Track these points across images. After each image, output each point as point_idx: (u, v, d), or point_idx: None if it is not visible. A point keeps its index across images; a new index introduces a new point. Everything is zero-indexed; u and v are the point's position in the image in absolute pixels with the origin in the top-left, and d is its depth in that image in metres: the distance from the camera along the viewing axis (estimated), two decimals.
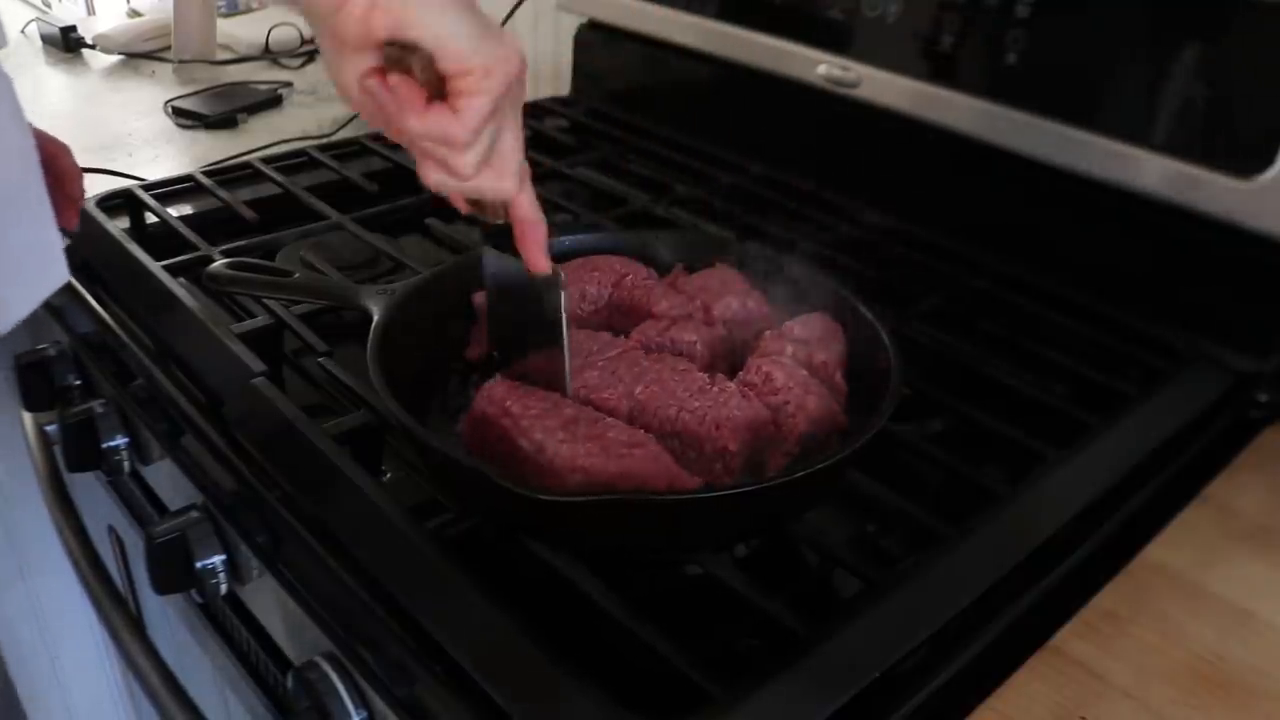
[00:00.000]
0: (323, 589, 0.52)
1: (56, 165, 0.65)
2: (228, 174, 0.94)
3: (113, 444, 0.74)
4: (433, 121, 0.44)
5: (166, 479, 0.72)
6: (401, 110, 0.44)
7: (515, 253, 0.53)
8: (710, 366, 0.59)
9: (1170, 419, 0.64)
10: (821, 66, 0.88)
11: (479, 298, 0.63)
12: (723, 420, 0.52)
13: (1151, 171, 0.70)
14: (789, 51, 0.91)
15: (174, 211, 0.87)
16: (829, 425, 0.56)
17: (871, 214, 0.86)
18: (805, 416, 0.54)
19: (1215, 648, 0.50)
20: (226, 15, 1.52)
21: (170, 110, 1.21)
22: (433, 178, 0.47)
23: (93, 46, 1.41)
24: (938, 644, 0.48)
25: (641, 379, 0.55)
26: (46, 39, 1.44)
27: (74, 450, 0.75)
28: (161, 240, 0.81)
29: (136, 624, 0.70)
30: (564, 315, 0.55)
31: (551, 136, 1.07)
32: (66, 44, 1.41)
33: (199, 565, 0.60)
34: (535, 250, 0.53)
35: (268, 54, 1.41)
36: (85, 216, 0.82)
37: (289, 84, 1.30)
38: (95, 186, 0.88)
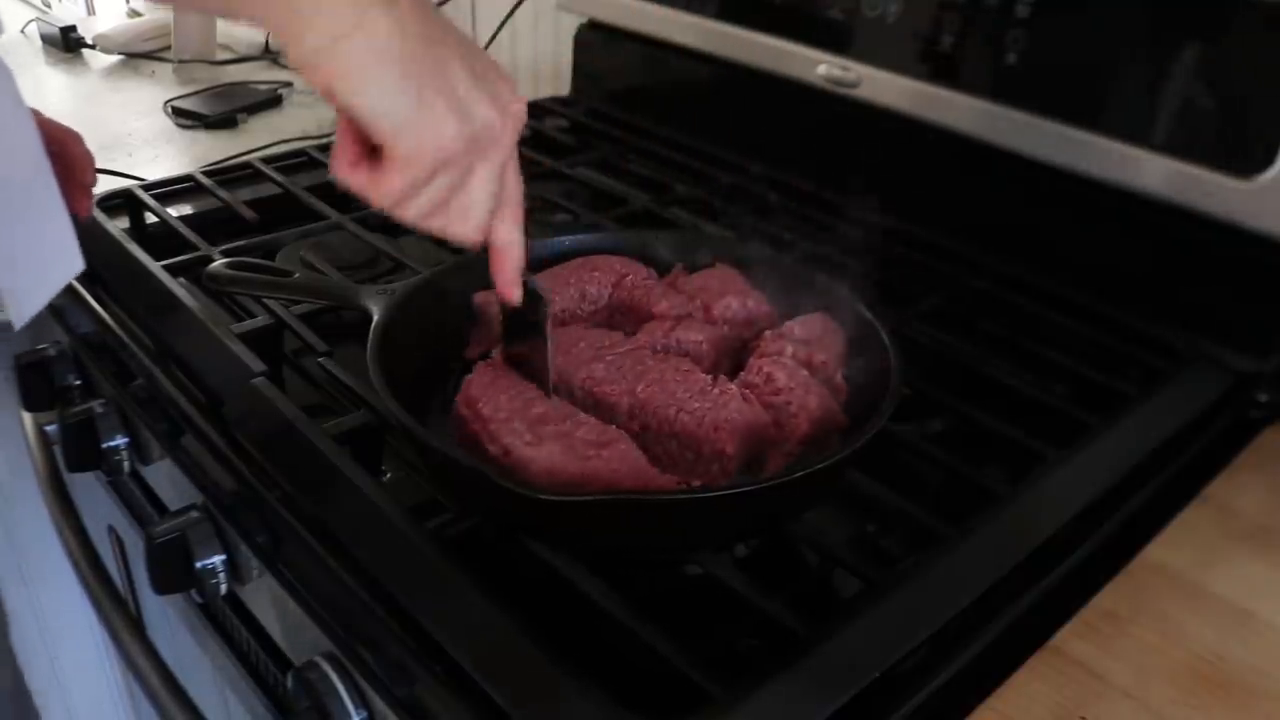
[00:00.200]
0: (323, 589, 0.52)
1: (67, 152, 0.64)
2: (228, 174, 0.94)
3: (113, 444, 0.74)
4: (353, 181, 0.44)
5: (166, 479, 0.72)
6: (332, 157, 0.44)
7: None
8: (715, 366, 0.59)
9: (1170, 419, 0.64)
10: (821, 66, 0.88)
11: (479, 297, 0.63)
12: (721, 423, 0.52)
13: (1151, 171, 0.70)
14: (789, 51, 0.91)
15: (174, 211, 0.87)
16: (829, 425, 0.56)
17: (871, 214, 0.86)
18: (807, 416, 0.54)
19: (1215, 648, 0.50)
20: None
21: (170, 110, 1.21)
22: (407, 217, 0.46)
23: (93, 46, 1.41)
24: (938, 644, 0.48)
25: (644, 377, 0.55)
26: (46, 39, 1.44)
27: (74, 450, 0.75)
28: (161, 240, 0.81)
29: (136, 624, 0.70)
30: (548, 328, 0.55)
31: (551, 136, 1.07)
32: (66, 44, 1.41)
33: (199, 565, 0.60)
34: (506, 279, 0.52)
35: (268, 54, 1.41)
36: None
37: (289, 84, 1.30)
38: (95, 186, 0.88)
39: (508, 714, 0.43)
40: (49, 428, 0.82)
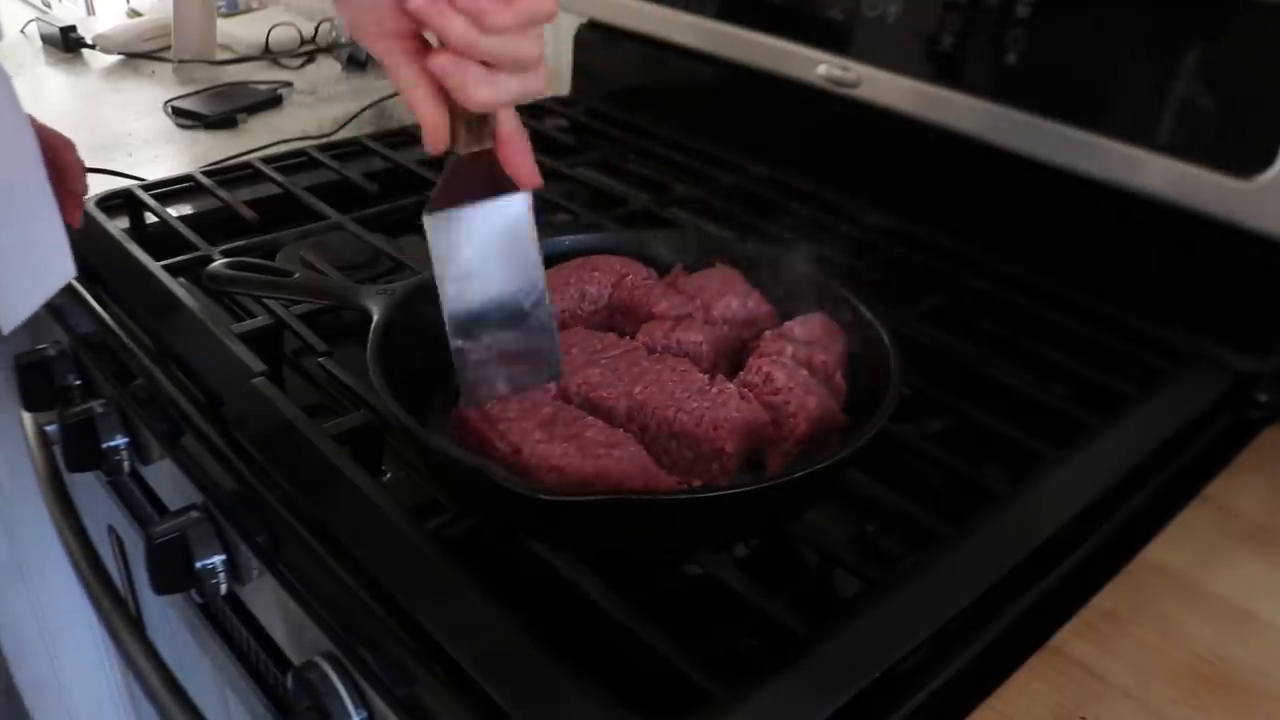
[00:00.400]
0: (323, 589, 0.52)
1: (59, 159, 0.64)
2: (228, 174, 0.94)
3: (113, 444, 0.74)
4: (516, 11, 0.41)
5: (166, 479, 0.72)
6: (478, 18, 0.40)
7: (464, 200, 0.50)
8: (715, 366, 0.59)
9: (1170, 419, 0.64)
10: (821, 66, 0.88)
11: None
12: (720, 421, 0.52)
13: (1152, 171, 0.70)
14: (789, 51, 0.91)
15: (174, 211, 0.87)
16: (829, 425, 0.56)
17: (872, 214, 0.86)
18: (806, 417, 0.54)
19: (1215, 648, 0.50)
20: (226, 15, 1.52)
21: (170, 110, 1.21)
22: (485, 96, 0.44)
23: (93, 46, 1.41)
24: (938, 644, 0.48)
25: (641, 379, 0.55)
26: (46, 39, 1.44)
27: (74, 450, 0.75)
28: (161, 240, 0.81)
29: (136, 624, 0.70)
30: (535, 231, 0.51)
31: (551, 136, 1.07)
32: (66, 44, 1.41)
33: (199, 565, 0.60)
34: (527, 160, 0.50)
35: (268, 54, 1.41)
36: (85, 216, 0.82)
37: (289, 84, 1.30)
38: (95, 186, 0.88)
39: (508, 714, 0.43)
40: (49, 428, 0.82)
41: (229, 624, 0.67)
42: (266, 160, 0.96)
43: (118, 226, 0.82)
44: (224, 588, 0.61)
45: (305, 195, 0.89)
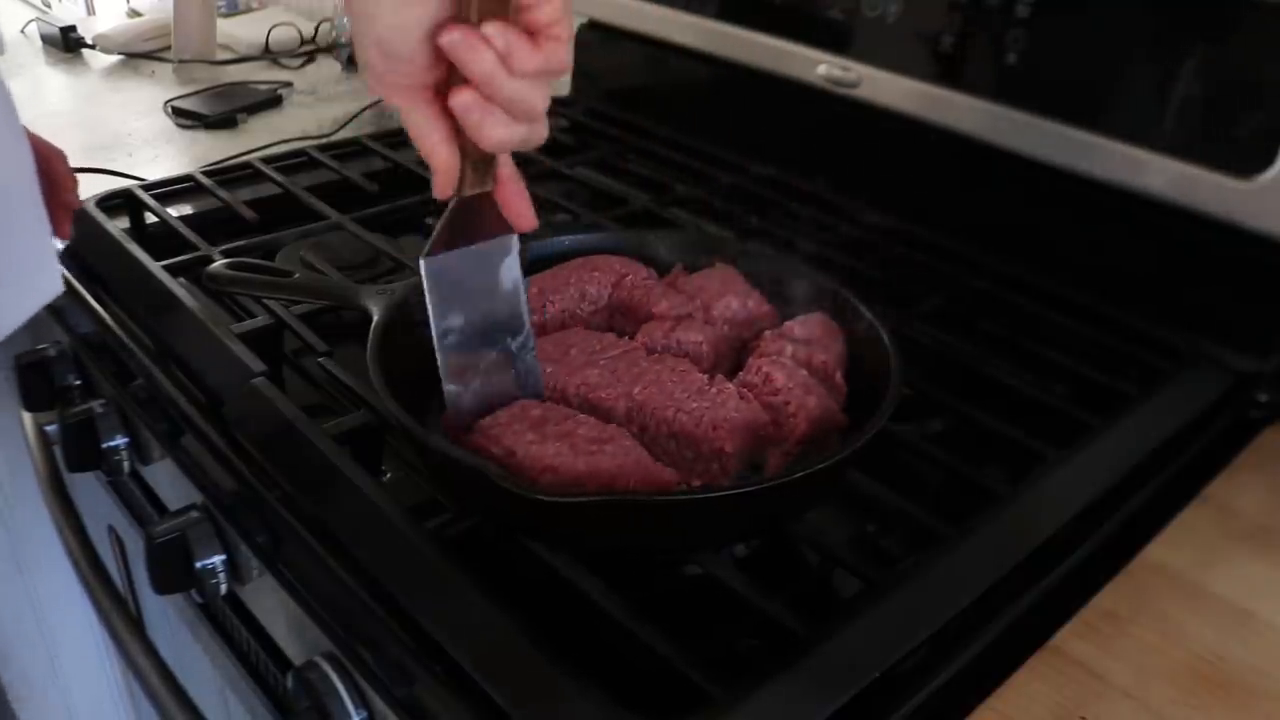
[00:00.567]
0: (323, 589, 0.52)
1: (51, 170, 0.64)
2: (228, 174, 0.94)
3: (113, 444, 0.74)
4: (542, 59, 0.41)
5: (166, 479, 0.72)
6: (508, 55, 0.41)
7: (461, 242, 0.52)
8: (715, 366, 0.59)
9: (1170, 419, 0.64)
10: (821, 66, 0.88)
11: None
12: (719, 421, 0.52)
13: (1152, 172, 0.70)
14: (789, 51, 0.91)
15: (174, 211, 0.87)
16: (829, 425, 0.56)
17: (872, 214, 0.86)
18: (805, 417, 0.54)
19: (1215, 648, 0.50)
20: (226, 15, 1.52)
21: (170, 110, 1.21)
22: (500, 136, 0.45)
23: (93, 46, 1.41)
24: (938, 644, 0.48)
25: (640, 379, 0.55)
26: (46, 39, 1.44)
27: (74, 450, 0.75)
28: (161, 240, 0.81)
29: (136, 624, 0.70)
30: (522, 276, 0.54)
31: (551, 136, 1.06)
32: (66, 44, 1.41)
33: (199, 565, 0.60)
34: (525, 202, 0.52)
35: (268, 54, 1.41)
36: (85, 216, 0.82)
37: (289, 84, 1.30)
38: (95, 186, 0.88)
39: (508, 714, 0.43)
40: (49, 428, 0.82)
41: (229, 624, 0.67)
42: (266, 160, 0.96)
43: (118, 226, 0.82)
44: (224, 588, 0.61)
45: (305, 195, 0.89)
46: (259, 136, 1.14)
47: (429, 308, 0.53)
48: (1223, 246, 0.69)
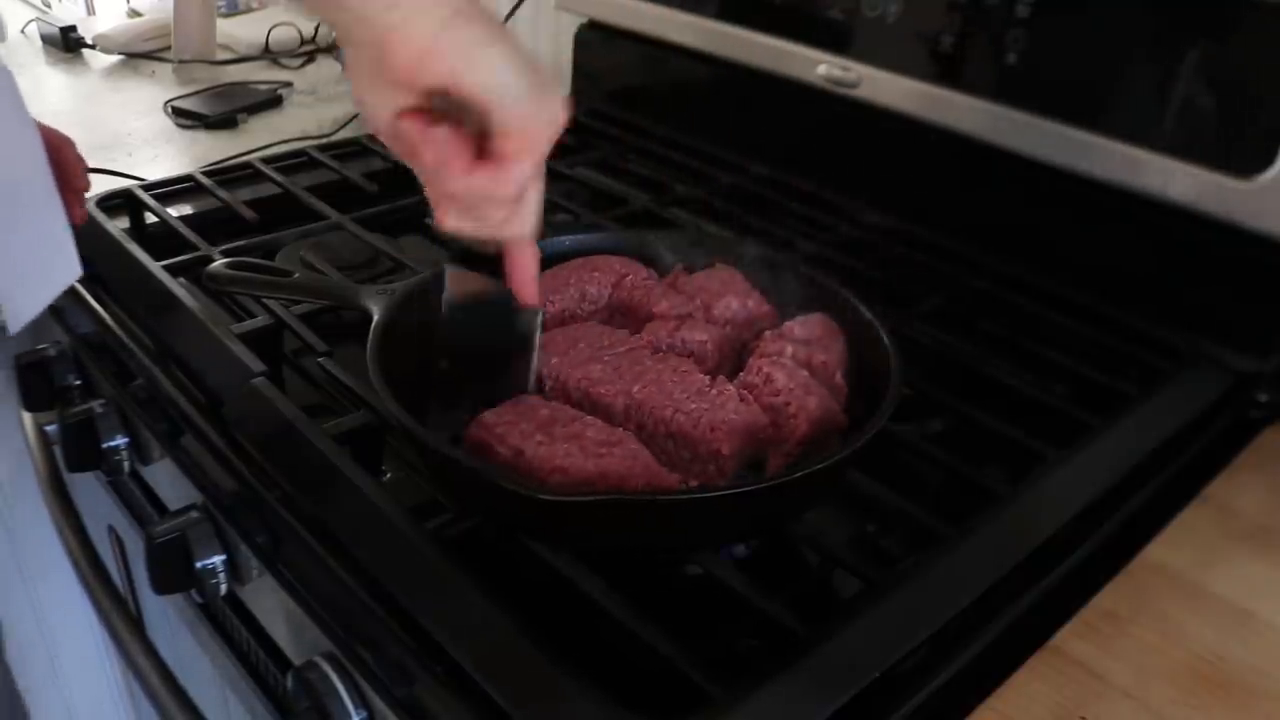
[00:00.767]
0: (323, 589, 0.52)
1: (60, 157, 0.64)
2: (228, 174, 0.94)
3: (113, 444, 0.74)
4: (476, 182, 0.42)
5: (166, 479, 0.72)
6: (443, 164, 0.42)
7: (487, 271, 0.53)
8: (719, 366, 0.59)
9: (1170, 419, 0.64)
10: (821, 66, 0.88)
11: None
12: (718, 423, 0.52)
13: (1152, 172, 0.70)
14: (789, 51, 0.91)
15: (174, 211, 0.87)
16: (829, 426, 0.56)
17: (872, 214, 0.86)
18: (806, 417, 0.54)
19: (1215, 648, 0.50)
20: (226, 15, 1.52)
21: (170, 110, 1.21)
22: (451, 224, 0.45)
23: (93, 46, 1.41)
24: (938, 644, 0.48)
25: (641, 378, 0.55)
26: (46, 39, 1.44)
27: (74, 450, 0.75)
28: (161, 240, 0.81)
29: (136, 624, 0.70)
30: (537, 343, 0.55)
31: None
32: (66, 44, 1.41)
33: (199, 565, 0.60)
34: (528, 283, 0.53)
35: (268, 54, 1.40)
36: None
37: (289, 84, 1.30)
38: (95, 186, 0.88)
39: (508, 714, 0.43)
40: (49, 428, 0.82)
41: (229, 624, 0.67)
42: (266, 160, 0.96)
43: (118, 226, 0.82)
44: (224, 588, 0.61)
45: (305, 195, 0.89)
46: (259, 136, 1.14)
47: (444, 304, 0.54)
48: (1223, 246, 0.69)
